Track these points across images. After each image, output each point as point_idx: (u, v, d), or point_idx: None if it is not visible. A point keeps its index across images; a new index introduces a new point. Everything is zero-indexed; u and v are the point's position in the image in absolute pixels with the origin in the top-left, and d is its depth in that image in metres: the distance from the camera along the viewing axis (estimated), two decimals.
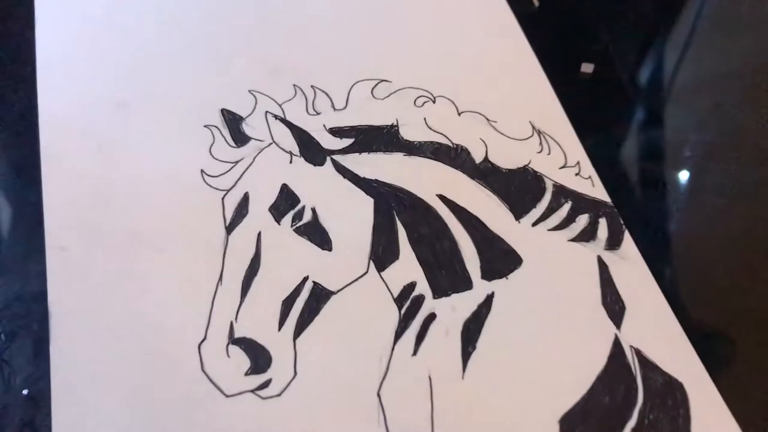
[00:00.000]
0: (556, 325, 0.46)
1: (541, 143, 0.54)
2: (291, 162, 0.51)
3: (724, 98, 0.63)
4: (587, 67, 0.63)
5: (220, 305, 0.44)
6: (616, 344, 0.45)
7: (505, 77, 0.59)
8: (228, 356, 0.42)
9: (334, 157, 0.51)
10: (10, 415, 0.42)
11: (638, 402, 0.43)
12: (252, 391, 0.42)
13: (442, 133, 0.53)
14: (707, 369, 0.44)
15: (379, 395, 0.42)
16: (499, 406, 0.42)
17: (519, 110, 0.56)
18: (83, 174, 0.50)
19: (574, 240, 0.50)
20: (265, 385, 0.42)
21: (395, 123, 0.54)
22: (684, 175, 0.57)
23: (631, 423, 0.42)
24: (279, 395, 0.42)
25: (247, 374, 0.42)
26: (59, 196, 0.48)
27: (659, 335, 0.46)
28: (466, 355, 0.44)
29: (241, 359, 0.42)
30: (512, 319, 0.46)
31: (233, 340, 0.43)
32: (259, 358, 0.42)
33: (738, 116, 0.61)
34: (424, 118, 0.54)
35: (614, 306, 0.47)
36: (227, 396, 0.41)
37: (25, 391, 0.43)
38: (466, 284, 0.47)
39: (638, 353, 0.45)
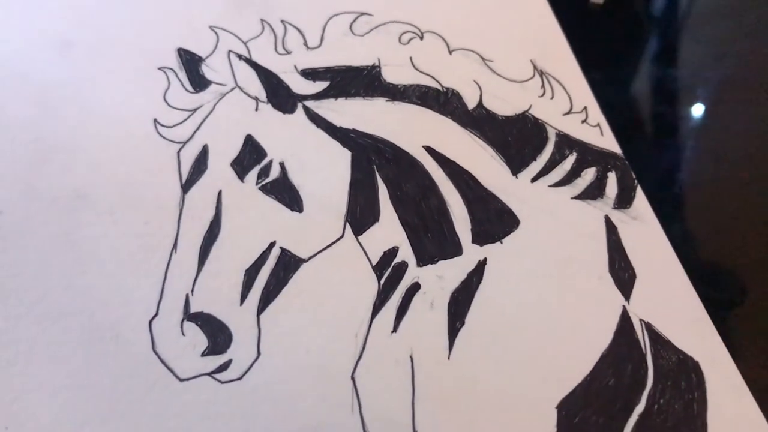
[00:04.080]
0: (555, 296, 0.45)
1: (543, 86, 0.53)
2: (257, 109, 0.49)
3: (748, 29, 0.60)
4: None
5: (174, 275, 0.43)
6: (624, 318, 0.44)
7: (502, 10, 0.57)
8: (182, 334, 0.41)
9: (307, 103, 0.49)
10: None
11: (648, 384, 0.42)
12: (209, 374, 0.41)
13: (430, 75, 0.52)
14: (728, 346, 0.43)
15: (353, 378, 0.41)
16: (490, 391, 0.41)
17: (518, 48, 0.55)
18: (20, 125, 0.47)
19: (578, 197, 0.48)
20: (225, 367, 0.41)
21: (377, 63, 0.52)
22: (706, 122, 0.54)
23: (639, 408, 0.41)
24: (240, 379, 0.41)
25: (204, 355, 0.41)
26: None
27: (674, 307, 0.45)
28: (453, 331, 0.43)
29: (197, 337, 0.41)
30: (506, 290, 0.45)
31: (188, 316, 0.42)
32: (217, 336, 0.41)
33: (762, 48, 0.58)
34: (410, 58, 0.52)
35: (623, 274, 0.46)
36: (181, 380, 0.40)
37: None
38: (454, 250, 0.45)
39: (649, 328, 0.44)
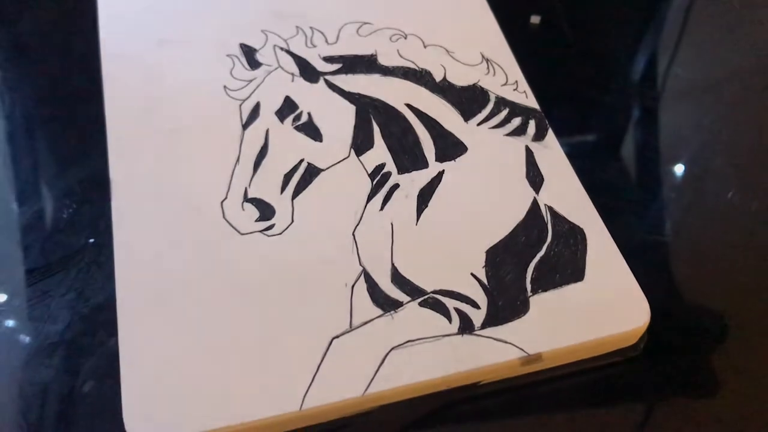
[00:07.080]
0: (488, 192, 0.54)
1: (488, 68, 0.62)
2: (293, 81, 0.59)
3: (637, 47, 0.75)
4: (536, 18, 0.75)
5: (238, 178, 0.53)
6: (534, 203, 0.53)
7: (462, 21, 0.67)
8: (243, 209, 0.51)
9: (326, 77, 0.59)
10: (80, 256, 0.54)
11: (547, 240, 0.51)
12: (260, 231, 0.51)
13: (411, 60, 0.61)
14: (605, 223, 0.53)
15: (353, 235, 0.51)
16: (441, 243, 0.51)
17: (472, 45, 0.64)
18: (135, 90, 0.59)
19: (508, 135, 0.57)
20: (270, 227, 0.51)
21: (374, 53, 0.61)
22: (597, 93, 0.70)
23: (540, 253, 0.51)
24: (280, 234, 0.51)
25: (256, 221, 0.51)
26: (118, 106, 0.59)
27: (569, 199, 0.53)
28: (420, 210, 0.52)
29: (252, 211, 0.51)
30: (456, 188, 0.54)
31: (246, 199, 0.52)
32: (266, 210, 0.51)
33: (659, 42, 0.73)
34: (397, 50, 0.62)
35: (535, 179, 0.55)
36: (242, 234, 0.50)
37: (91, 240, 0.56)
38: (423, 164, 0.55)
39: (550, 209, 0.53)
